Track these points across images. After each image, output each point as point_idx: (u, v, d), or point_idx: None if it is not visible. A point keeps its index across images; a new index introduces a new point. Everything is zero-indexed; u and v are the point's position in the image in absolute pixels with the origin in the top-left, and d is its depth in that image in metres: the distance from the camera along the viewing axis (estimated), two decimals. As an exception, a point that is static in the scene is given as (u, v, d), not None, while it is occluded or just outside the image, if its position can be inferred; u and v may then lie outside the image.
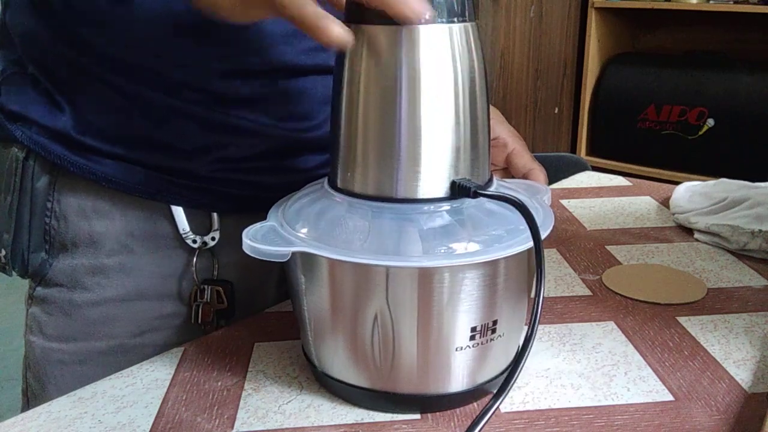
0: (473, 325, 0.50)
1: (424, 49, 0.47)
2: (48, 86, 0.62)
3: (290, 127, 0.65)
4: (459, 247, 0.48)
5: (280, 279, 0.72)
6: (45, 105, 0.62)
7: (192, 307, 0.65)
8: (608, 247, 0.81)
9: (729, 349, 0.59)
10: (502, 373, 0.54)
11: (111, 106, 0.61)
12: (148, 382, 0.56)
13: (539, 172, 0.67)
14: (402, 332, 0.49)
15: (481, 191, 0.49)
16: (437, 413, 0.52)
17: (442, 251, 0.48)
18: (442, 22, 0.48)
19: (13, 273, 0.66)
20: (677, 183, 0.98)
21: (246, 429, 0.50)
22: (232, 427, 0.50)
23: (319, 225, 0.51)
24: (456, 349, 0.50)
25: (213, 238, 0.65)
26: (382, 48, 0.48)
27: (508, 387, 0.45)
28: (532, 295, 0.51)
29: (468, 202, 0.50)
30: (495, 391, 0.46)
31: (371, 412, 0.52)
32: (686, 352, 0.59)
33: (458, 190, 0.49)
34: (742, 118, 2.35)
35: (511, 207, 0.49)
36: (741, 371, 0.56)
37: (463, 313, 0.49)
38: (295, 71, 0.64)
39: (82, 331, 0.65)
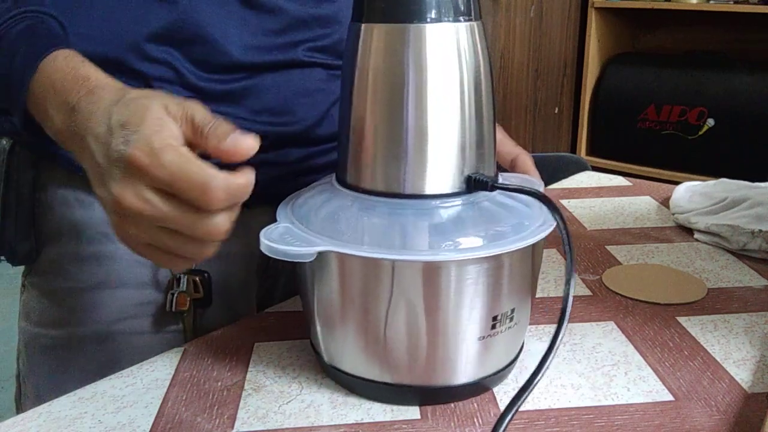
0: (495, 314, 0.51)
1: (430, 47, 0.48)
2: None
3: (267, 121, 0.66)
4: (473, 241, 0.50)
5: (259, 271, 0.74)
6: None
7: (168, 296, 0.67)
8: (608, 247, 0.81)
9: (729, 349, 0.59)
10: (512, 361, 0.56)
11: None
12: (148, 382, 0.56)
13: (525, 157, 0.69)
14: (430, 324, 0.50)
15: (498, 184, 0.50)
16: (437, 413, 0.52)
17: (462, 245, 0.49)
18: (449, 21, 0.48)
19: (2, 260, 0.67)
20: (677, 183, 0.98)
21: (246, 429, 0.50)
22: (232, 427, 0.50)
23: (331, 223, 0.51)
24: (479, 338, 0.51)
25: None
26: (390, 46, 0.49)
27: (537, 378, 0.45)
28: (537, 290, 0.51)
29: (480, 196, 0.51)
30: (518, 388, 0.47)
31: (371, 412, 0.52)
32: (686, 352, 0.59)
33: (474, 184, 0.51)
34: (742, 118, 2.34)
35: (518, 200, 0.51)
36: (741, 371, 0.56)
37: (486, 304, 0.50)
38: (268, 66, 0.66)
39: (66, 317, 0.66)
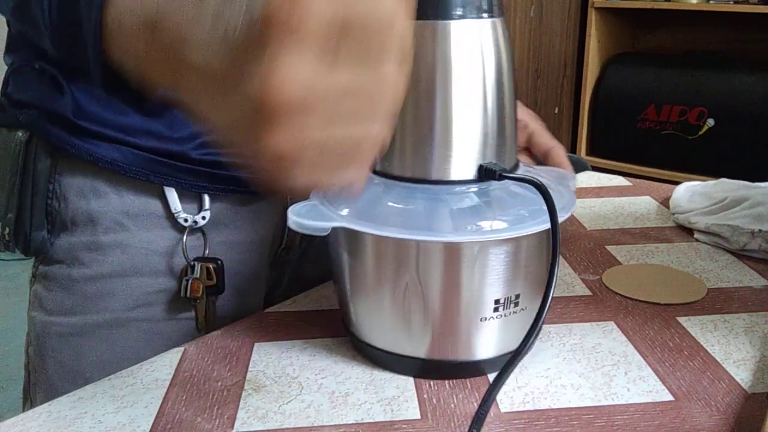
0: (497, 298, 0.53)
1: (455, 43, 0.51)
2: (53, 72, 0.64)
3: None
4: (486, 224, 0.52)
5: (272, 261, 0.75)
6: (47, 90, 0.64)
7: (182, 282, 0.68)
8: (608, 247, 0.81)
9: (729, 349, 0.59)
10: (517, 350, 0.57)
11: (104, 97, 0.64)
12: (148, 382, 0.56)
13: (559, 149, 0.70)
14: (432, 302, 0.53)
15: (506, 174, 0.52)
16: (437, 413, 0.52)
17: (470, 228, 0.52)
18: (472, 18, 0.51)
19: (16, 250, 0.68)
20: (677, 183, 0.98)
21: (246, 429, 0.50)
22: (232, 427, 0.50)
23: (358, 204, 0.54)
24: (480, 320, 0.54)
25: (203, 218, 0.67)
26: (418, 42, 0.51)
27: (524, 350, 0.48)
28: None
29: (494, 185, 0.54)
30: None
31: (371, 412, 0.52)
32: (686, 352, 0.59)
33: (485, 173, 0.53)
34: (742, 118, 2.35)
35: (534, 189, 0.53)
36: (741, 371, 0.56)
37: (488, 286, 0.53)
38: None
39: (80, 305, 0.67)
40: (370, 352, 0.58)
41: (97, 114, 0.64)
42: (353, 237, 0.54)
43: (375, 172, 0.56)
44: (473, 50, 0.52)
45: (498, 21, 0.53)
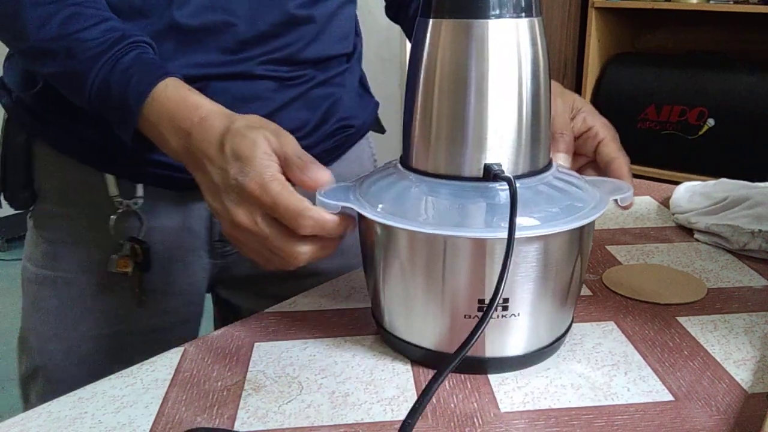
0: (481, 297, 0.53)
1: (492, 42, 0.51)
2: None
3: None
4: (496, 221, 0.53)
5: (210, 250, 0.81)
6: (24, 80, 0.75)
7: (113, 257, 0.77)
8: (608, 247, 0.81)
9: (729, 349, 0.59)
10: (519, 356, 0.57)
11: (67, 101, 0.68)
12: (148, 382, 0.56)
13: (623, 162, 0.70)
14: (422, 290, 0.55)
15: (500, 175, 0.52)
16: (437, 413, 0.52)
17: (503, 225, 0.52)
18: (510, 17, 0.51)
19: (2, 198, 0.81)
20: (677, 183, 0.98)
21: (246, 429, 0.50)
22: (232, 427, 0.50)
23: (390, 197, 0.55)
24: (464, 317, 0.54)
25: (135, 203, 0.76)
26: (455, 41, 0.52)
27: (465, 349, 0.49)
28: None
29: (525, 182, 0.54)
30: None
31: (371, 412, 0.52)
32: (686, 352, 0.59)
33: (484, 173, 0.53)
34: (742, 118, 2.34)
35: (554, 192, 0.55)
36: (741, 371, 0.56)
37: (472, 285, 0.53)
38: (215, 77, 0.72)
39: (41, 260, 0.80)
40: (393, 341, 0.59)
41: (58, 111, 0.73)
42: (388, 233, 0.56)
43: (407, 167, 0.57)
44: (510, 50, 0.52)
45: (536, 21, 0.53)
